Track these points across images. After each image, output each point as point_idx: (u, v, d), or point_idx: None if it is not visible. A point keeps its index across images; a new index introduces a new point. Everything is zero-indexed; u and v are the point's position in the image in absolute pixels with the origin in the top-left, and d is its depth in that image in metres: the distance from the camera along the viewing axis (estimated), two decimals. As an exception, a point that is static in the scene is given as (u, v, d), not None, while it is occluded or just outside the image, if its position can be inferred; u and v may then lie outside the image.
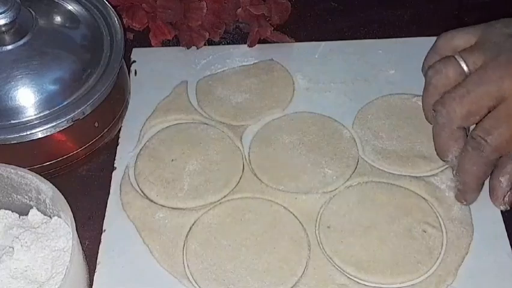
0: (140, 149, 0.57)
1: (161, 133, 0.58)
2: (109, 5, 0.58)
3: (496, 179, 0.50)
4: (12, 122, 0.50)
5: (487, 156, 0.48)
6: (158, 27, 0.65)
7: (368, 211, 0.52)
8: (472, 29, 0.52)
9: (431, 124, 0.53)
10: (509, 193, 0.50)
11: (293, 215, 0.52)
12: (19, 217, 0.50)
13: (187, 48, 0.64)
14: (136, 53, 0.65)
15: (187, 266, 0.50)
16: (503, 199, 0.50)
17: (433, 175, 0.54)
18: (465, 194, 0.51)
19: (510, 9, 0.67)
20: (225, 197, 0.53)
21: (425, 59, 0.55)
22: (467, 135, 0.51)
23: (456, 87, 0.49)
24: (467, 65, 0.50)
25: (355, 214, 0.52)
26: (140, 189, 0.54)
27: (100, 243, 0.51)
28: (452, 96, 0.49)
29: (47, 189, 0.47)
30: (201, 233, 0.51)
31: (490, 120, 0.48)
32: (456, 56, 0.50)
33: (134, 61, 0.64)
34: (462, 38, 0.52)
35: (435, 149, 0.52)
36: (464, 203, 0.52)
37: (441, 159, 0.53)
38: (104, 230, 0.52)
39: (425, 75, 0.53)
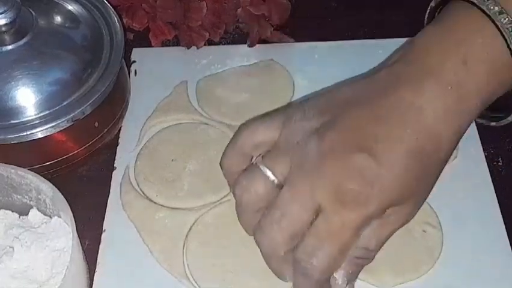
0: (140, 149, 0.57)
1: (161, 133, 0.58)
2: (109, 5, 0.58)
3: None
4: (12, 122, 0.50)
5: (317, 279, 0.43)
6: (158, 27, 0.65)
7: (368, 211, 0.52)
8: (272, 122, 0.46)
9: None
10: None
11: (293, 215, 0.52)
12: (19, 217, 0.50)
13: (187, 48, 0.64)
14: (136, 53, 0.65)
15: (187, 266, 0.50)
16: None
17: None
18: None
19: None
20: (225, 196, 0.53)
21: (224, 155, 0.49)
22: None
23: (270, 211, 0.44)
24: (274, 175, 0.44)
25: (355, 214, 0.52)
26: (140, 189, 0.54)
27: (100, 243, 0.51)
28: (269, 222, 0.43)
29: (47, 189, 0.47)
30: (201, 233, 0.51)
31: (311, 240, 0.42)
32: (261, 167, 0.45)
33: (134, 61, 0.64)
34: (263, 134, 0.46)
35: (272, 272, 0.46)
36: None
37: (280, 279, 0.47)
38: (104, 230, 0.52)
39: (232, 190, 0.47)
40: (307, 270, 0.43)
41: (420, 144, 0.43)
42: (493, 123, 0.49)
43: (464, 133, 0.45)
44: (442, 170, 0.45)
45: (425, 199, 0.46)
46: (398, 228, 0.45)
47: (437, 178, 0.45)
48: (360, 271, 0.45)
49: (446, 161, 0.45)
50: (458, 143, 0.45)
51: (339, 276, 0.44)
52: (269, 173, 0.44)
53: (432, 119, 0.43)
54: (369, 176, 0.42)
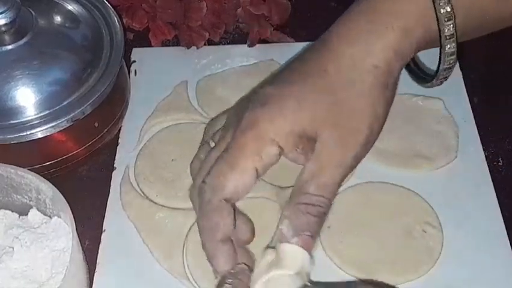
0: (140, 149, 0.57)
1: (161, 133, 0.58)
2: (109, 5, 0.58)
3: (277, 228, 0.43)
4: (12, 122, 0.50)
5: (210, 200, 0.43)
6: (158, 27, 0.65)
7: (368, 211, 0.52)
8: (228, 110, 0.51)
9: None
10: (295, 239, 0.41)
11: (293, 215, 0.52)
12: (19, 217, 0.50)
13: (187, 48, 0.64)
14: (136, 53, 0.65)
15: (187, 266, 0.50)
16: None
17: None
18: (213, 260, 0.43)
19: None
20: (225, 197, 0.53)
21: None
22: None
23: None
24: (213, 141, 0.48)
25: (355, 214, 0.52)
26: (140, 189, 0.54)
27: (100, 243, 0.51)
28: (199, 173, 0.46)
29: (47, 189, 0.47)
30: (201, 233, 0.51)
31: (214, 165, 0.44)
32: (209, 141, 0.48)
33: (134, 61, 0.64)
34: (221, 122, 0.49)
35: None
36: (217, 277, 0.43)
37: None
38: (104, 230, 0.52)
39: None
40: (201, 190, 0.44)
41: (322, 63, 0.44)
42: (425, 85, 0.49)
43: (391, 67, 0.44)
44: (372, 104, 0.43)
45: (357, 137, 0.43)
46: (340, 175, 0.43)
47: (367, 113, 0.43)
48: (314, 225, 0.42)
49: (369, 93, 0.43)
50: (386, 77, 0.44)
51: (281, 224, 0.42)
52: (212, 143, 0.48)
53: (342, 44, 0.44)
54: (266, 98, 0.44)
